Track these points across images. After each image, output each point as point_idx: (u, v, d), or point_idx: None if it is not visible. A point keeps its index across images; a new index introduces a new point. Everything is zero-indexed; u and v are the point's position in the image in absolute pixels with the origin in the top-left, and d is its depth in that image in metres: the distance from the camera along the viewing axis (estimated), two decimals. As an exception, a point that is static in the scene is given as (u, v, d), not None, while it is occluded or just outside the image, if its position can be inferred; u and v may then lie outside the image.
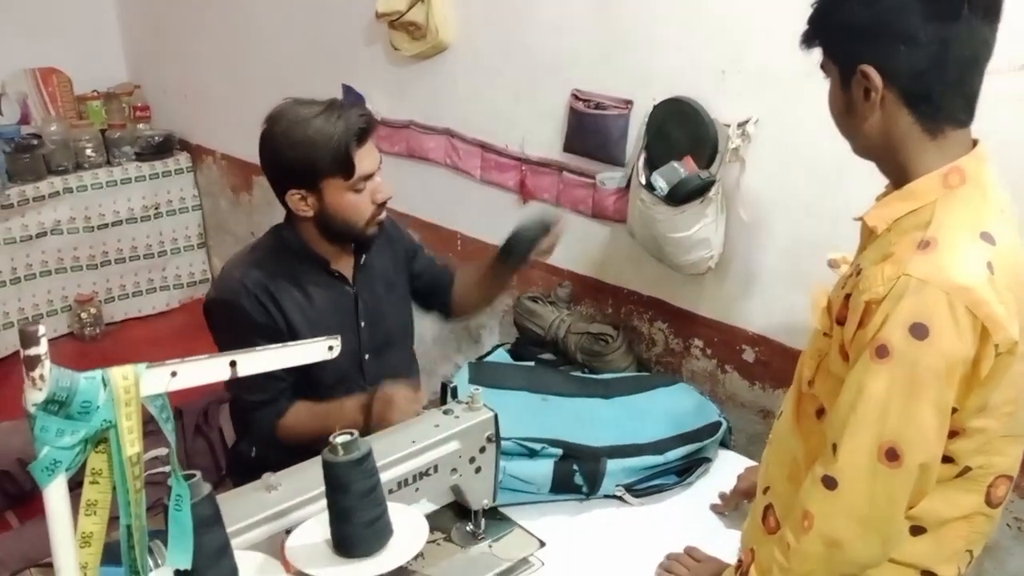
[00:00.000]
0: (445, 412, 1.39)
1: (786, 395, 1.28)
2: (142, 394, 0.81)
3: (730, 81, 1.88)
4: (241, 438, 1.80)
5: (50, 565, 0.80)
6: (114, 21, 3.93)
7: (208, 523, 0.99)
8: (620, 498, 1.64)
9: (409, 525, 1.16)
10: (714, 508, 1.63)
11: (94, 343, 3.63)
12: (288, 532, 1.15)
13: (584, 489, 1.62)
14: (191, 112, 3.76)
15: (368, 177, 1.57)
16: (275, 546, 1.14)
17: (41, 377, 0.74)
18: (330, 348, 0.95)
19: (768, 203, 1.89)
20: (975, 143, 1.06)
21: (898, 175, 1.07)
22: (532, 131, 2.34)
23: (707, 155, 1.89)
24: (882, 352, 0.98)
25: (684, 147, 1.91)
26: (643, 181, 1.94)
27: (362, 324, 1.70)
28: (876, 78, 1.01)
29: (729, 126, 1.86)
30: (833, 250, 1.39)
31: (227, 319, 1.61)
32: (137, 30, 3.90)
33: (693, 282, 2.08)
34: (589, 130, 2.17)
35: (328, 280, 1.67)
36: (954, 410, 1.01)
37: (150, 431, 0.86)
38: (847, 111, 1.07)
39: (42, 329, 0.74)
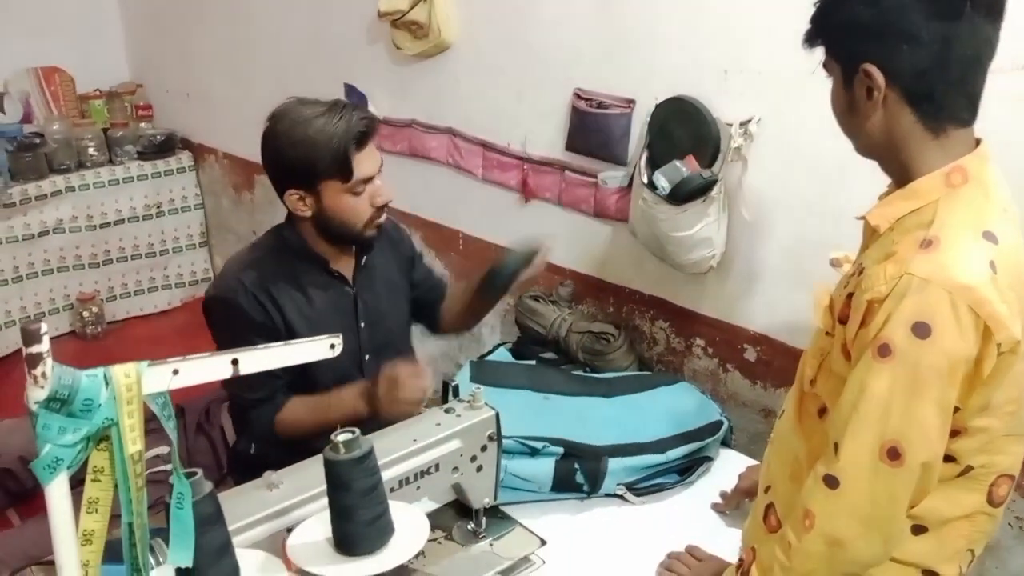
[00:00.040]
0: (447, 411, 1.39)
1: (788, 394, 1.27)
2: (144, 392, 0.81)
3: (732, 80, 1.88)
4: (240, 436, 1.81)
5: (52, 563, 0.80)
6: (116, 20, 3.94)
7: (209, 521, 0.99)
8: (621, 497, 1.64)
9: (410, 523, 1.16)
10: (715, 507, 1.63)
11: (96, 342, 3.63)
12: (289, 530, 1.16)
13: (585, 488, 1.62)
14: (193, 111, 3.76)
15: (367, 180, 1.56)
16: (276, 544, 1.14)
17: (43, 375, 0.75)
18: (332, 346, 0.95)
19: (770, 202, 1.89)
20: (978, 142, 1.06)
21: (900, 174, 1.07)
22: (534, 130, 2.34)
23: (709, 154, 1.89)
24: (884, 351, 0.98)
25: (686, 146, 1.91)
26: (645, 180, 1.94)
27: (362, 325, 1.70)
28: (878, 77, 1.01)
29: (731, 125, 1.86)
30: (835, 249, 1.39)
31: (225, 317, 1.61)
32: (139, 29, 3.91)
33: (695, 281, 2.08)
34: (591, 129, 2.16)
35: (328, 280, 1.67)
36: (956, 409, 1.01)
37: (152, 429, 0.86)
38: (849, 110, 1.07)
39: (44, 327, 0.74)
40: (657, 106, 1.98)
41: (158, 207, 3.76)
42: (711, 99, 1.90)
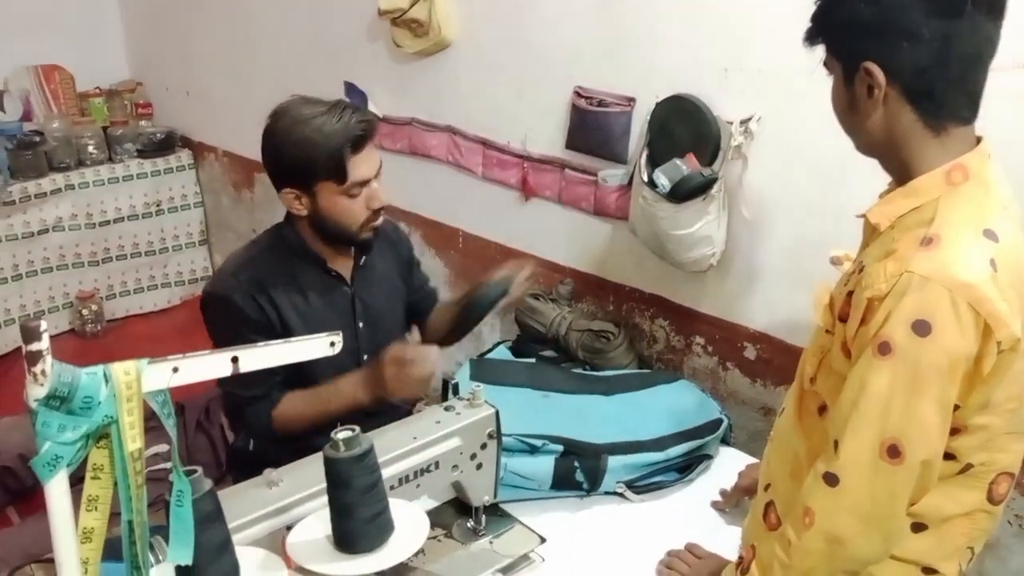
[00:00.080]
0: (446, 408, 1.39)
1: (788, 392, 1.27)
2: (144, 390, 0.81)
3: (732, 78, 1.88)
4: (239, 433, 1.80)
5: (51, 561, 0.80)
6: (116, 18, 3.94)
7: (209, 519, 0.99)
8: (621, 495, 1.64)
9: (410, 521, 1.16)
10: (715, 505, 1.63)
11: (95, 340, 3.63)
12: (289, 528, 1.16)
13: (585, 486, 1.63)
14: (193, 109, 3.76)
15: (363, 183, 1.55)
16: (276, 542, 1.14)
17: (43, 372, 0.74)
18: (332, 344, 0.95)
19: (770, 200, 1.89)
20: (979, 140, 1.06)
21: (901, 172, 1.07)
22: (534, 128, 2.34)
23: (709, 152, 1.89)
24: (884, 349, 0.98)
25: (686, 144, 1.91)
26: (645, 178, 1.94)
27: (360, 324, 1.70)
28: (879, 75, 1.01)
29: (731, 123, 1.86)
30: (835, 247, 1.39)
31: (220, 314, 1.61)
32: (139, 27, 3.91)
33: (695, 279, 2.08)
34: (591, 127, 2.16)
35: (325, 279, 1.67)
36: (956, 407, 1.01)
37: (151, 427, 0.86)
38: (850, 108, 1.07)
39: (44, 325, 0.74)
40: (657, 104, 1.98)
41: (158, 205, 3.76)
42: (711, 97, 1.90)
